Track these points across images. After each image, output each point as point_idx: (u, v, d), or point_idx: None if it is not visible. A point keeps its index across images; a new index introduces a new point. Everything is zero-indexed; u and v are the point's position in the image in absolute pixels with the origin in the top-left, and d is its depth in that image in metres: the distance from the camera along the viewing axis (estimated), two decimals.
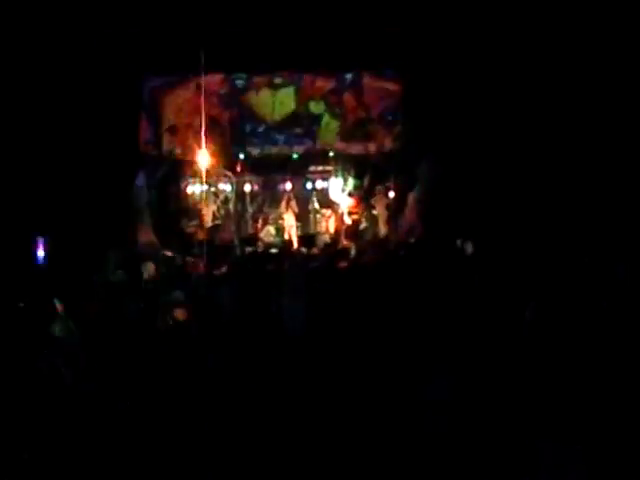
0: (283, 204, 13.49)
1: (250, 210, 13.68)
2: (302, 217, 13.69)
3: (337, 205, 13.26)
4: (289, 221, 13.42)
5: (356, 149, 12.59)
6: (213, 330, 7.72)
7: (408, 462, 4.89)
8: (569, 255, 7.65)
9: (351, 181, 13.09)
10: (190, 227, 12.43)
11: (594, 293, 6.55)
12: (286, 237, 13.23)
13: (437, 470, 4.75)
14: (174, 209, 12.60)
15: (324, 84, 12.15)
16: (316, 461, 4.96)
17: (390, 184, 12.51)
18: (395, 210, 12.30)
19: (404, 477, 4.73)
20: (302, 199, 13.72)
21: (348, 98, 12.18)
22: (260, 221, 13.55)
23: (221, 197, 13.22)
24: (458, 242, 8.98)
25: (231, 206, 13.25)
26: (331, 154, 12.91)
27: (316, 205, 13.59)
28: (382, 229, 12.61)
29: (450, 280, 8.23)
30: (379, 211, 12.68)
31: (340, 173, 13.18)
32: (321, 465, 4.91)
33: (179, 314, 7.94)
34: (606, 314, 6.15)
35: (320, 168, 13.60)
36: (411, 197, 11.73)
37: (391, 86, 12.02)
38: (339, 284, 8.70)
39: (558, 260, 7.67)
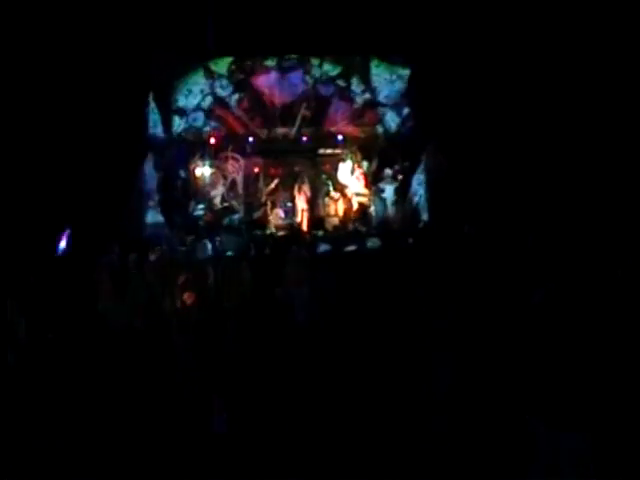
0: (296, 187, 13.45)
1: (258, 193, 13.68)
2: (311, 200, 13.66)
3: (346, 188, 13.22)
4: (300, 204, 13.39)
5: (365, 132, 12.51)
6: (221, 314, 7.80)
7: (410, 449, 4.94)
8: (577, 242, 7.61)
9: (359, 164, 13.05)
10: (199, 210, 12.46)
11: (600, 282, 6.51)
12: (297, 219, 13.22)
13: (439, 454, 4.81)
14: (182, 192, 12.60)
15: (333, 67, 12.08)
16: (320, 443, 5.02)
17: (399, 167, 12.43)
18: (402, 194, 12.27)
19: (405, 461, 4.78)
20: (310, 182, 13.69)
21: (357, 81, 12.10)
22: (269, 204, 13.54)
23: (229, 180, 13.21)
24: (465, 227, 8.94)
25: (240, 189, 13.23)
26: (340, 137, 12.86)
27: (329, 188, 13.54)
28: (390, 212, 12.58)
29: (457, 266, 8.22)
30: (387, 194, 12.64)
31: (349, 156, 13.15)
32: (325, 447, 4.97)
33: (187, 298, 8.00)
34: (609, 306, 6.11)
35: (329, 151, 13.56)
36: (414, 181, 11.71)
37: (399, 70, 11.93)
38: (345, 270, 8.73)
39: (566, 246, 7.63)
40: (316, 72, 12.12)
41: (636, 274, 6.83)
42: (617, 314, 5.77)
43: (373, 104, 12.21)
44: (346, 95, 12.25)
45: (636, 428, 4.62)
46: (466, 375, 5.71)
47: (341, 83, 12.12)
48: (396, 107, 12.09)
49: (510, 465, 4.50)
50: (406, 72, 11.83)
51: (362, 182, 13.05)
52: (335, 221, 13.05)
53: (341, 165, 13.15)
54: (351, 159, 13.07)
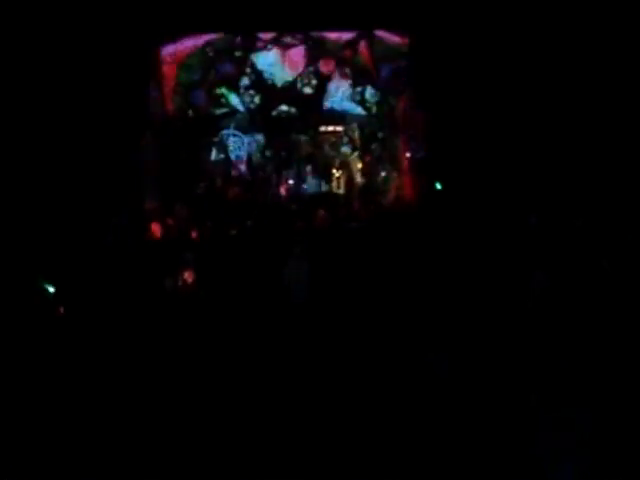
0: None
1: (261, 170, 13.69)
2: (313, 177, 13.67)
3: (348, 165, 13.24)
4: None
5: (365, 109, 12.53)
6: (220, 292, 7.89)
7: (409, 428, 5.01)
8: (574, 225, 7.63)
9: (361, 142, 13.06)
10: (200, 188, 12.50)
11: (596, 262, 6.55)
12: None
13: (439, 432, 4.88)
14: (183, 169, 12.61)
15: (334, 44, 12.07)
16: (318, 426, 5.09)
17: None
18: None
19: (404, 442, 4.86)
20: (312, 160, 13.69)
21: (357, 58, 12.09)
22: (274, 181, 13.55)
23: (232, 157, 13.21)
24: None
25: (242, 167, 13.25)
26: (341, 114, 12.86)
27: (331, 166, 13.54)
28: (392, 190, 12.65)
29: (457, 247, 8.27)
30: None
31: (351, 133, 13.16)
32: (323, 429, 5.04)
33: (187, 276, 8.09)
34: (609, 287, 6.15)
35: (330, 128, 13.53)
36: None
37: (401, 47, 11.90)
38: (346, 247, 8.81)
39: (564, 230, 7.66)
40: (317, 48, 12.10)
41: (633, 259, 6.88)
42: (617, 298, 5.83)
43: (373, 82, 12.20)
44: (347, 72, 12.22)
45: (636, 405, 4.69)
46: (466, 355, 5.75)
47: (342, 60, 12.11)
48: (398, 84, 12.07)
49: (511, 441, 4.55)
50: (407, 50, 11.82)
51: (365, 159, 13.09)
52: (338, 198, 13.09)
53: (342, 142, 13.19)
54: (353, 136, 13.11)
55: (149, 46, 11.18)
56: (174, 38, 11.56)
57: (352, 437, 4.97)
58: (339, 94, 12.39)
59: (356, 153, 13.04)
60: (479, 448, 4.73)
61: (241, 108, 12.63)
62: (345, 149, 13.10)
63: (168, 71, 11.92)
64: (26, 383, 5.47)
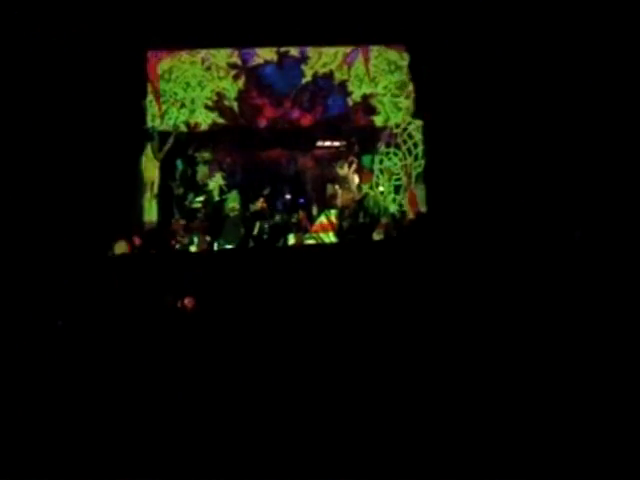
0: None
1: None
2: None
3: (345, 180, 13.18)
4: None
5: (364, 123, 12.50)
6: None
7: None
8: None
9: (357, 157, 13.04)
10: (196, 202, 12.41)
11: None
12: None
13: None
14: (180, 184, 12.54)
15: (331, 58, 12.09)
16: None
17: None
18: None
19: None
20: (310, 175, 13.67)
21: (355, 72, 12.11)
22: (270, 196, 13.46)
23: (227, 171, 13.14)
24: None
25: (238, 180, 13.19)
26: (339, 128, 12.84)
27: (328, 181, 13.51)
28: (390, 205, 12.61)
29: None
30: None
31: (349, 148, 13.15)
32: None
33: (187, 303, 7.91)
34: None
35: (328, 143, 13.53)
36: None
37: (399, 59, 11.96)
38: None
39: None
40: (315, 62, 12.12)
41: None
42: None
43: (371, 95, 12.23)
44: (344, 87, 12.24)
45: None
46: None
47: (340, 75, 12.13)
48: (395, 97, 12.11)
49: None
50: (404, 63, 11.88)
51: (362, 174, 13.04)
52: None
53: (340, 157, 13.17)
54: (351, 151, 13.10)
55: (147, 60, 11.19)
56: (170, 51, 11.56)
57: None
58: (336, 108, 12.39)
59: (353, 167, 13.01)
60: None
61: (239, 122, 12.56)
62: (342, 164, 13.08)
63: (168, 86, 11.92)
64: (23, 397, 5.33)
